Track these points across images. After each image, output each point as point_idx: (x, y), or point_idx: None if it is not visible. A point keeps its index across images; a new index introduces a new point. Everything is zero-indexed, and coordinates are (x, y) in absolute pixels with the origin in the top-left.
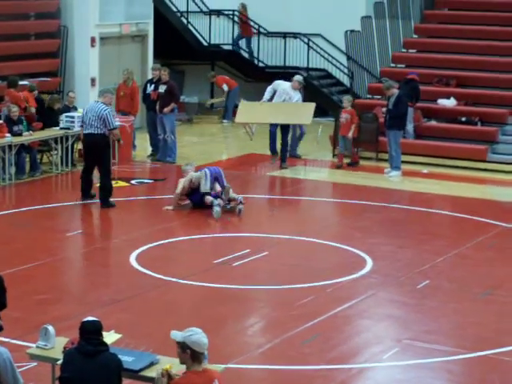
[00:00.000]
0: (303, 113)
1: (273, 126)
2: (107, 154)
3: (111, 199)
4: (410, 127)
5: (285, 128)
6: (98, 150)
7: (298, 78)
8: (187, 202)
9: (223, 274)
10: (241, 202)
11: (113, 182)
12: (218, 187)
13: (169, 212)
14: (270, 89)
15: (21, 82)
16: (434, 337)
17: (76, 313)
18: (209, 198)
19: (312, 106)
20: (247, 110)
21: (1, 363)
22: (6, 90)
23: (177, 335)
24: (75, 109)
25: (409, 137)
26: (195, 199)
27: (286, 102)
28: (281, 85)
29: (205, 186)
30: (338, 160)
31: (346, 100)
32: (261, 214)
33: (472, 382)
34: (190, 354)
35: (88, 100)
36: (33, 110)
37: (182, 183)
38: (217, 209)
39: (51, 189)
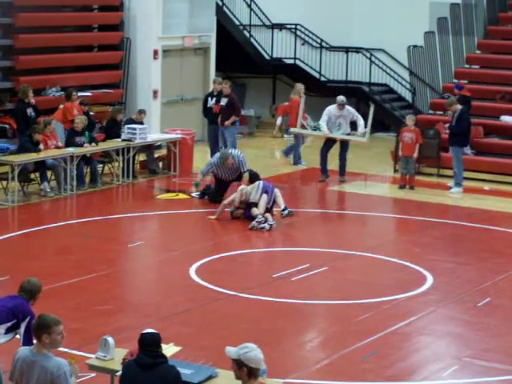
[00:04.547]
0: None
1: (324, 149)
2: None
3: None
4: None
5: (343, 144)
6: None
7: (338, 99)
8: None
9: (282, 288)
10: (268, 222)
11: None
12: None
13: (228, 225)
14: (325, 116)
15: (81, 94)
16: (494, 355)
17: (135, 324)
18: (255, 211)
19: (363, 139)
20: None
21: (60, 375)
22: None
23: (231, 352)
24: (141, 123)
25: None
26: (248, 213)
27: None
28: (330, 111)
29: (254, 197)
30: (400, 180)
31: (410, 119)
32: (320, 228)
33: None
34: (246, 371)
35: (151, 112)
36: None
37: (233, 195)
38: (253, 223)
39: (112, 200)
